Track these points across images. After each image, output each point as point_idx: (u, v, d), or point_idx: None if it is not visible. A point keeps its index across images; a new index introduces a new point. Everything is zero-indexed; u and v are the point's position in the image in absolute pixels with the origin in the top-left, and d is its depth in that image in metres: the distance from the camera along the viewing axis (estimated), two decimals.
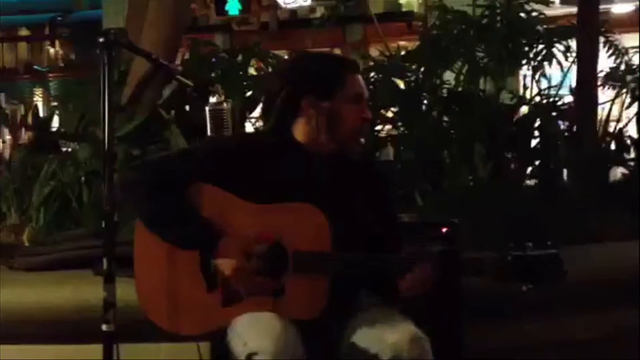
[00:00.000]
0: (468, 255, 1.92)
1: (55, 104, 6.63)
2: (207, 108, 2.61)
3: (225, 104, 2.54)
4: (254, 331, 1.83)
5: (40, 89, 11.22)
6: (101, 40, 1.61)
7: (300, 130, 2.02)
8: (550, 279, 1.85)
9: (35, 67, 12.34)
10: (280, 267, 1.89)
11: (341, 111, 1.98)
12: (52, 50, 12.42)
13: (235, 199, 1.93)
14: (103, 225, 1.64)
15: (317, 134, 2.00)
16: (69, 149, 4.30)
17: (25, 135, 5.06)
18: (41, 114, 5.90)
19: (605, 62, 4.61)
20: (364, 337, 1.89)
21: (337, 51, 9.66)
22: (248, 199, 1.94)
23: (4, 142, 5.96)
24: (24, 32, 12.84)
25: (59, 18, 12.04)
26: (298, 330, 1.85)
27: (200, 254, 1.93)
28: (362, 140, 2.05)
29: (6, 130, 6.03)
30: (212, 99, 2.63)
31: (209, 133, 2.52)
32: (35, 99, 10.89)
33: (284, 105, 2.02)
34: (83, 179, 3.84)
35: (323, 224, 1.89)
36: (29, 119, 5.13)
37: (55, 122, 4.97)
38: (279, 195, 1.92)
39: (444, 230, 2.54)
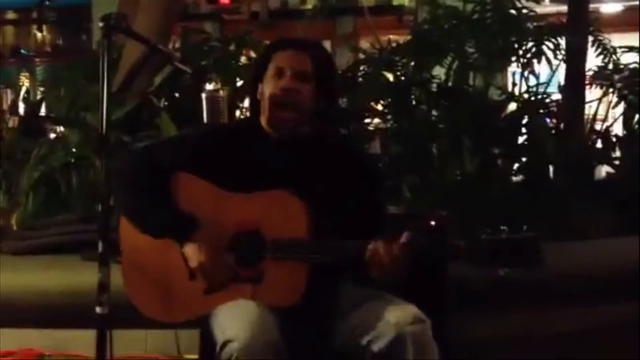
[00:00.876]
0: (443, 241, 1.92)
1: (42, 88, 6.57)
2: (203, 95, 2.62)
3: (221, 91, 2.55)
4: (230, 319, 1.87)
5: (27, 74, 11.11)
6: (101, 24, 1.62)
7: (262, 119, 2.10)
8: (528, 262, 1.82)
9: (22, 51, 12.21)
10: (260, 254, 1.92)
11: (265, 90, 2.04)
12: (39, 35, 12.29)
13: (214, 189, 1.97)
14: (99, 208, 1.65)
15: (264, 118, 2.07)
16: (59, 134, 4.28)
17: (10, 120, 5.01)
18: (29, 99, 5.84)
19: (593, 61, 4.65)
20: (365, 318, 1.91)
21: (327, 43, 9.70)
22: (227, 188, 1.98)
23: None
24: (10, 15, 12.69)
25: (46, 2, 11.91)
26: (277, 317, 1.88)
27: (179, 244, 1.96)
28: (289, 113, 2.03)
29: None
30: (209, 86, 2.63)
31: (205, 119, 2.53)
32: (22, 83, 10.78)
33: (250, 97, 2.15)
34: (73, 163, 3.83)
35: (299, 210, 1.92)
36: (18, 104, 5.08)
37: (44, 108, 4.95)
38: (256, 184, 1.96)
39: (432, 222, 2.56)
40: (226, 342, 1.81)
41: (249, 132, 2.08)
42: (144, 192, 1.98)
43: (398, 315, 1.86)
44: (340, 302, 1.99)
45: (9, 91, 9.68)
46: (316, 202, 1.93)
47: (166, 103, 4.08)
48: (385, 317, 1.87)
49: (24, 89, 9.28)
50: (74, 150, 3.88)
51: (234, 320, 1.85)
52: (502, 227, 1.85)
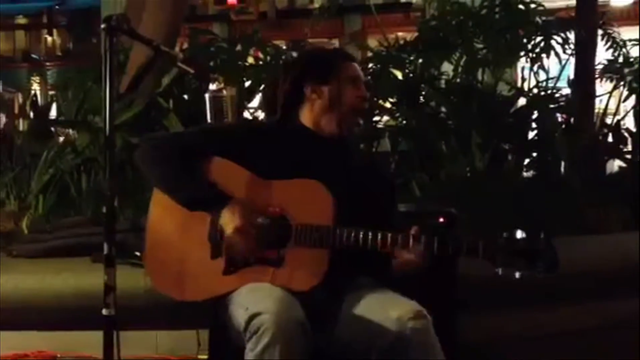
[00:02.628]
0: (463, 236, 1.93)
1: (53, 92, 6.62)
2: (207, 95, 2.63)
3: (224, 91, 2.56)
4: (254, 297, 1.88)
5: (38, 78, 11.19)
6: (103, 26, 1.62)
7: (305, 116, 2.18)
8: (544, 268, 1.84)
9: (33, 55, 12.30)
10: (283, 239, 1.96)
11: (339, 92, 2.15)
12: (49, 39, 12.37)
13: (248, 174, 2.04)
14: (104, 210, 1.65)
15: (320, 117, 2.16)
16: (68, 137, 4.30)
17: (22, 124, 5.05)
18: (39, 103, 5.88)
19: (603, 55, 4.62)
20: (368, 312, 1.92)
21: (336, 41, 9.69)
22: (259, 175, 2.04)
23: (1, 129, 5.96)
24: (21, 20, 12.79)
25: (56, 6, 11.99)
26: (300, 303, 1.89)
27: (210, 220, 2.00)
28: (360, 120, 2.23)
29: (4, 118, 6.03)
30: (212, 86, 2.65)
31: (208, 119, 2.54)
32: (33, 87, 10.86)
33: (289, 94, 2.19)
34: (82, 166, 3.85)
35: (326, 198, 1.97)
36: (27, 107, 5.12)
37: (54, 111, 4.98)
38: (287, 173, 2.02)
39: (441, 219, 2.56)
40: (254, 315, 1.81)
41: (286, 129, 2.17)
42: (185, 166, 2.03)
43: (400, 311, 1.87)
44: (347, 294, 2.01)
45: (20, 95, 9.75)
46: (343, 197, 1.98)
47: (174, 104, 4.08)
48: (387, 313, 1.88)
49: (33, 93, 9.34)
50: (83, 152, 3.89)
51: (259, 298, 1.87)
52: (519, 230, 1.86)
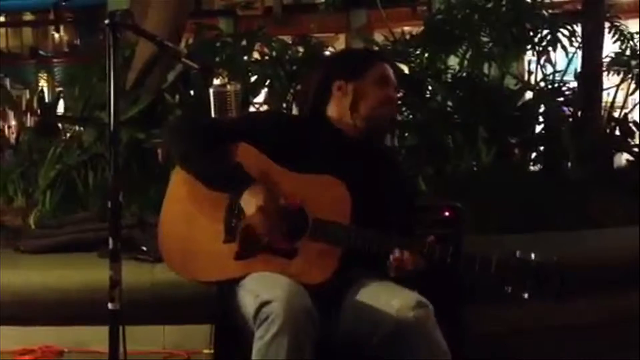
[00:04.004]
0: (474, 253, 1.91)
1: (60, 88, 6.63)
2: (211, 90, 2.64)
3: (228, 86, 2.56)
4: (264, 284, 1.89)
5: (45, 74, 11.22)
6: (107, 21, 1.62)
7: (332, 112, 2.18)
8: (554, 293, 1.85)
9: (40, 51, 12.34)
10: (299, 230, 1.97)
11: (366, 90, 2.14)
12: (56, 35, 12.41)
13: (271, 163, 2.05)
14: (109, 205, 1.66)
15: (344, 114, 2.15)
16: (74, 134, 4.32)
17: (30, 120, 5.08)
18: (46, 99, 5.91)
19: (610, 48, 4.60)
20: (369, 303, 1.93)
21: (342, 36, 9.68)
22: (283, 164, 2.05)
23: (9, 127, 5.97)
24: (28, 17, 12.83)
25: (63, 3, 12.01)
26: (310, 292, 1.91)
27: (227, 205, 2.00)
28: (387, 120, 2.21)
29: (12, 114, 6.06)
30: (216, 81, 2.65)
31: (212, 115, 2.55)
32: (40, 83, 10.90)
33: (318, 90, 2.20)
34: (88, 162, 3.86)
35: (345, 197, 1.98)
36: (34, 104, 5.14)
37: (61, 107, 4.99)
38: (309, 167, 2.03)
39: (447, 213, 2.55)
40: (264, 303, 1.81)
41: (313, 123, 2.19)
42: (211, 145, 2.04)
43: (401, 300, 1.88)
44: (351, 285, 2.02)
45: (27, 92, 9.78)
46: (360, 197, 1.99)
47: (180, 100, 4.09)
48: (389, 302, 1.89)
49: (39, 89, 9.37)
50: (89, 148, 3.91)
51: (270, 285, 1.87)
52: (532, 253, 1.87)
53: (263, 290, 1.85)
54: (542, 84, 4.37)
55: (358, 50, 2.45)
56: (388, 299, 1.90)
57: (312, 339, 1.81)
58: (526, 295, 1.84)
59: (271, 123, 2.17)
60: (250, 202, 1.95)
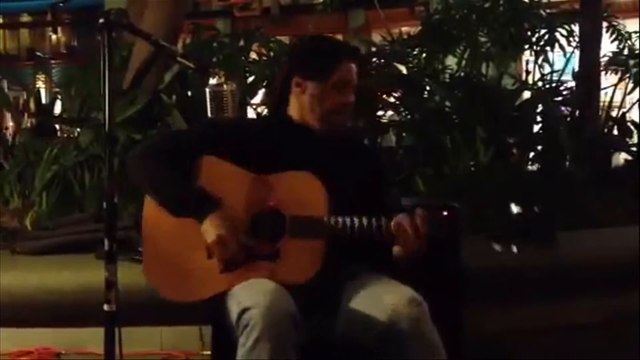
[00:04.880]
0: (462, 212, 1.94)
1: (57, 90, 6.61)
2: (207, 89, 2.63)
3: (225, 86, 2.55)
4: (247, 291, 1.89)
5: (43, 76, 11.20)
6: (101, 21, 1.61)
7: (292, 109, 2.15)
8: (540, 238, 1.84)
9: (38, 53, 12.31)
10: (278, 232, 1.95)
11: (324, 94, 2.09)
12: (54, 37, 12.38)
13: (239, 170, 2.02)
14: (104, 206, 1.65)
15: (302, 112, 2.13)
16: (71, 135, 4.30)
17: (27, 121, 5.06)
18: (43, 100, 5.89)
19: (608, 47, 4.59)
20: (363, 302, 1.92)
21: (339, 36, 9.66)
22: (252, 170, 2.02)
23: (6, 128, 5.96)
24: (25, 18, 12.80)
25: (60, 4, 11.98)
26: (295, 297, 1.88)
27: (198, 220, 1.98)
28: (344, 121, 2.15)
29: (9, 116, 6.04)
30: (213, 81, 2.65)
31: (209, 114, 2.54)
32: (37, 85, 10.87)
33: (279, 84, 2.17)
34: (85, 163, 3.85)
35: (318, 188, 1.96)
36: (31, 105, 5.12)
37: (58, 108, 4.97)
38: (278, 166, 2.01)
39: (445, 213, 2.54)
40: (245, 310, 1.82)
41: (275, 121, 2.17)
42: (168, 170, 2.01)
43: (394, 298, 1.87)
44: (346, 283, 2.01)
45: (24, 93, 9.75)
46: (335, 187, 1.98)
47: (177, 100, 4.07)
48: (382, 300, 1.88)
49: (41, 91, 9.35)
50: (86, 149, 3.89)
51: (251, 292, 1.87)
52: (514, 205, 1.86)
53: (245, 297, 1.85)
54: (540, 83, 4.36)
55: (324, 45, 2.22)
56: (381, 295, 1.89)
57: (294, 342, 1.80)
58: (514, 249, 1.84)
59: (232, 129, 2.13)
60: (207, 236, 1.94)
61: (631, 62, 4.45)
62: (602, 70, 4.48)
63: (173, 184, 2.00)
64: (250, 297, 1.83)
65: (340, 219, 1.93)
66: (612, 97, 4.49)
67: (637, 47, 4.52)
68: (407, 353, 1.83)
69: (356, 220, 1.92)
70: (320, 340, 1.94)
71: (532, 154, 4.19)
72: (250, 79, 4.31)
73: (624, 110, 4.50)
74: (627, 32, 4.56)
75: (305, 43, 2.38)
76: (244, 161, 2.02)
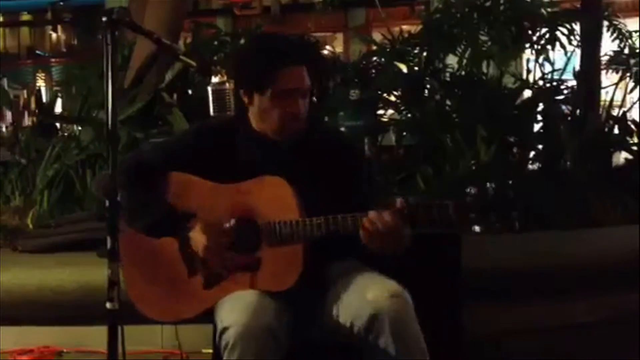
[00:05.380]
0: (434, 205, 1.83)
1: (57, 88, 6.62)
2: (209, 88, 2.62)
3: (227, 84, 2.55)
4: (228, 307, 1.89)
5: (43, 74, 11.21)
6: (104, 19, 1.61)
7: (250, 117, 2.07)
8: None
9: (38, 52, 12.32)
10: (254, 241, 1.94)
11: (267, 105, 2.00)
12: (54, 35, 12.38)
13: (207, 183, 1.99)
14: (107, 204, 1.65)
15: (257, 122, 2.05)
16: (72, 133, 4.30)
17: (28, 120, 5.06)
18: (44, 99, 5.90)
19: (608, 46, 4.59)
20: (345, 300, 1.92)
21: (339, 35, 9.66)
22: (219, 181, 2.00)
23: (7, 127, 5.97)
24: (25, 17, 12.80)
25: (60, 2, 11.99)
26: (276, 302, 1.89)
27: (178, 240, 1.98)
28: (298, 128, 2.04)
29: (9, 115, 6.05)
30: (215, 79, 2.64)
31: (211, 112, 2.53)
32: (38, 83, 10.88)
33: (236, 93, 2.08)
34: (86, 161, 3.85)
35: (288, 193, 1.94)
36: (32, 104, 5.12)
37: (58, 107, 4.98)
38: (244, 174, 1.98)
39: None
40: (224, 330, 1.83)
41: (237, 128, 2.08)
42: (136, 196, 1.99)
43: (375, 291, 1.86)
44: (331, 281, 2.00)
45: (25, 92, 9.77)
46: (303, 190, 1.95)
47: (178, 99, 4.08)
48: (363, 294, 1.87)
49: (37, 89, 9.37)
50: (87, 148, 3.90)
51: (231, 308, 1.87)
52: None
53: (225, 315, 1.86)
54: (541, 82, 4.36)
55: (260, 53, 2.04)
56: (364, 290, 1.88)
57: (276, 353, 1.81)
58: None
59: (194, 142, 2.07)
60: (198, 247, 1.94)
61: (632, 61, 4.45)
62: (602, 69, 4.48)
63: (143, 209, 1.98)
64: (229, 315, 1.84)
65: (314, 220, 1.90)
66: (612, 96, 4.49)
67: (638, 46, 4.52)
68: (388, 345, 1.83)
69: (330, 219, 1.89)
70: (308, 339, 1.94)
71: (532, 153, 4.19)
72: None
73: (625, 109, 4.50)
74: (627, 31, 4.55)
75: (243, 52, 2.24)
76: (211, 172, 1.99)
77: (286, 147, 2.04)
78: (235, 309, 1.85)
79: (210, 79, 2.62)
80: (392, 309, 1.83)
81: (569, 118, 4.29)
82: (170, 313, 2.03)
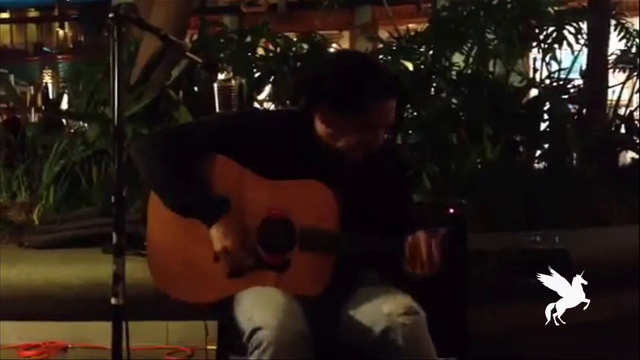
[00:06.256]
0: (472, 246, 1.84)
1: (64, 85, 6.63)
2: (215, 84, 2.62)
3: (233, 81, 2.54)
4: (258, 306, 1.85)
5: (50, 71, 11.23)
6: (110, 15, 1.61)
7: (317, 124, 1.98)
8: (558, 274, 1.81)
9: (45, 48, 12.35)
10: (287, 243, 1.91)
11: (345, 128, 1.91)
12: (61, 32, 12.41)
13: (249, 173, 1.94)
14: (112, 200, 1.65)
15: (323, 135, 1.96)
16: (79, 129, 4.31)
17: (35, 116, 5.08)
18: (50, 95, 5.91)
19: (615, 45, 4.58)
20: (361, 310, 1.90)
21: (346, 33, 9.65)
22: (261, 174, 1.95)
23: (14, 122, 6.00)
24: (32, 13, 12.83)
25: None
26: (301, 305, 1.87)
27: (206, 225, 1.93)
28: (364, 156, 1.95)
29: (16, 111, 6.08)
30: (221, 76, 2.63)
31: (217, 109, 2.53)
32: (44, 80, 10.91)
33: (306, 98, 1.98)
34: (92, 157, 3.86)
35: (331, 202, 1.89)
36: (39, 100, 5.14)
37: (65, 103, 4.99)
38: (291, 173, 1.93)
39: (452, 210, 2.54)
40: (255, 330, 1.79)
41: (297, 127, 1.98)
42: (176, 170, 1.92)
43: (390, 306, 1.84)
44: (348, 292, 1.97)
45: (31, 88, 9.78)
46: (349, 201, 1.91)
47: (184, 96, 4.09)
48: (379, 308, 1.86)
49: (44, 85, 9.38)
50: (93, 144, 3.91)
51: (261, 307, 1.83)
52: (534, 235, 1.82)
53: (255, 313, 1.82)
54: (548, 81, 4.35)
55: (358, 76, 1.90)
56: (379, 304, 1.86)
57: (307, 358, 1.79)
58: (532, 282, 1.80)
59: (246, 128, 1.98)
60: (216, 242, 1.89)
61: (639, 60, 4.44)
62: (609, 68, 4.47)
63: (179, 184, 1.92)
64: (261, 313, 1.80)
65: (354, 238, 1.87)
66: (619, 96, 4.49)
67: None
68: None
69: (370, 239, 1.86)
70: (323, 347, 1.94)
71: (539, 152, 4.19)
72: (257, 74, 4.32)
73: (632, 108, 4.49)
74: (635, 30, 4.54)
75: (337, 69, 1.96)
76: (258, 163, 1.93)
77: (347, 164, 1.96)
78: (265, 308, 1.81)
79: (216, 76, 2.63)
80: (407, 325, 1.81)
81: (576, 117, 4.29)
82: (189, 292, 1.98)
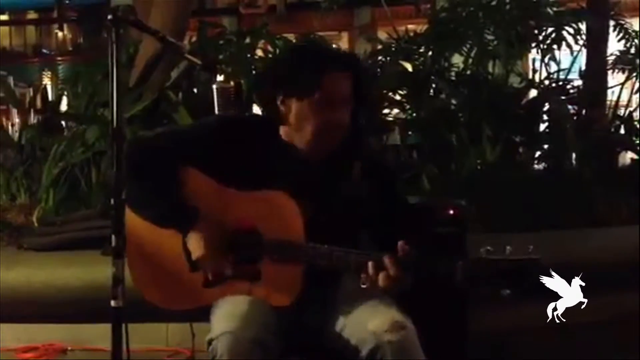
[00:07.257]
0: (439, 260, 1.76)
1: (63, 86, 6.63)
2: (214, 86, 2.62)
3: (232, 83, 2.54)
4: (219, 315, 1.88)
5: (49, 72, 11.24)
6: (109, 17, 1.61)
7: (282, 125, 1.99)
8: (531, 285, 1.75)
9: (44, 50, 12.35)
10: (256, 254, 1.91)
11: (305, 112, 1.92)
12: (60, 34, 12.41)
13: (216, 184, 1.95)
14: (112, 202, 1.65)
15: (291, 133, 1.97)
16: (79, 131, 4.31)
17: (34, 118, 5.08)
18: (49, 97, 5.91)
19: (615, 46, 4.58)
20: (347, 326, 1.89)
21: (345, 34, 9.66)
22: (230, 183, 1.94)
23: (12, 124, 5.98)
24: (32, 15, 12.84)
25: (66, 1, 12.01)
26: (268, 311, 1.87)
27: (182, 235, 1.95)
28: (333, 142, 1.96)
29: (15, 113, 6.06)
30: (219, 78, 2.63)
31: (216, 111, 2.52)
32: (43, 82, 10.91)
33: (266, 98, 1.99)
34: (92, 159, 3.86)
35: (295, 213, 1.88)
36: (38, 102, 5.13)
37: (64, 105, 4.99)
38: (258, 184, 1.92)
39: (451, 211, 2.54)
40: (211, 340, 1.82)
41: (261, 131, 1.99)
42: (148, 180, 1.93)
43: (376, 323, 1.82)
44: (335, 305, 1.96)
45: (31, 90, 9.77)
46: (318, 210, 1.88)
47: (183, 97, 4.08)
48: (365, 325, 1.84)
49: (42, 87, 9.38)
50: (92, 146, 3.90)
51: (222, 316, 1.86)
52: (506, 247, 1.76)
53: (217, 322, 1.85)
54: (547, 82, 4.35)
55: (306, 55, 1.96)
56: (365, 319, 1.84)
57: None
58: (504, 293, 1.74)
59: (213, 138, 1.96)
60: (194, 250, 1.90)
61: (638, 61, 4.45)
62: (608, 69, 4.47)
63: (152, 196, 1.93)
64: (219, 322, 1.83)
65: (320, 248, 1.84)
66: (619, 96, 4.49)
67: None
68: None
69: (335, 251, 1.83)
70: (312, 353, 1.93)
71: (538, 153, 4.19)
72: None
73: (631, 109, 4.49)
74: (634, 31, 4.55)
75: (286, 56, 2.12)
76: (226, 174, 1.93)
77: (315, 164, 1.96)
78: (224, 318, 1.83)
79: (215, 77, 2.62)
80: (394, 341, 1.79)
81: (575, 118, 4.28)
82: (166, 300, 2.00)
